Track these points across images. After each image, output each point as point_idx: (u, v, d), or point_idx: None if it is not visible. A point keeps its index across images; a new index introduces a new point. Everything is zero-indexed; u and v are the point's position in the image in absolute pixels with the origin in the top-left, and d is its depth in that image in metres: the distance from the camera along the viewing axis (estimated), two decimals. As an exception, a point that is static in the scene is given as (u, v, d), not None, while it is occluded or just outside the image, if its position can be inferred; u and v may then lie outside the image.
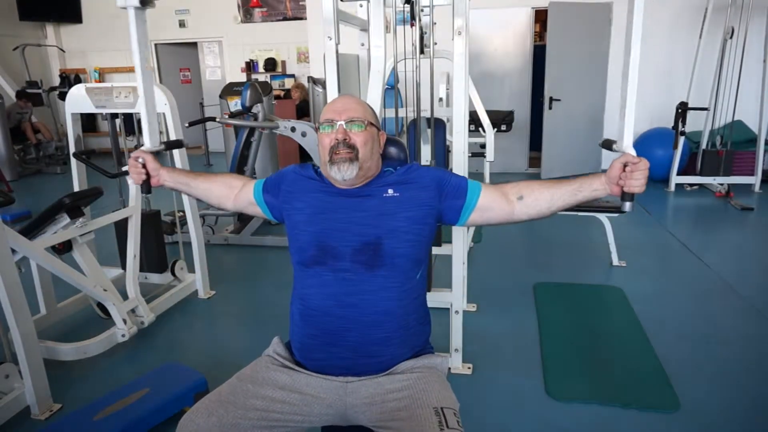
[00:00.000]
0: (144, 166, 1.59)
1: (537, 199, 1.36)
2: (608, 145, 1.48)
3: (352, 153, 1.33)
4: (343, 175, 1.33)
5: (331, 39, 2.21)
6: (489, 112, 5.31)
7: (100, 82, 8.84)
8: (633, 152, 1.30)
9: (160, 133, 1.92)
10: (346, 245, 1.31)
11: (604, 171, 1.31)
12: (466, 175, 2.53)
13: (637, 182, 1.25)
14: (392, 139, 1.62)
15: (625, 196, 1.29)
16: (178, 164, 3.05)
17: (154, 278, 3.29)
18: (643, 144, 6.18)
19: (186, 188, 1.62)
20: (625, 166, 1.25)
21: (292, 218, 1.40)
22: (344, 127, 1.34)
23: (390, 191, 1.36)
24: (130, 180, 2.94)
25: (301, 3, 8.30)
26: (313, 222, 1.35)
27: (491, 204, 1.39)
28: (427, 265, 1.46)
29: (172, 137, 2.94)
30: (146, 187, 1.61)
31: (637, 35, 1.48)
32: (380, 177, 1.41)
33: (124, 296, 2.72)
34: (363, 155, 1.34)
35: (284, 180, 1.47)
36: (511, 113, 6.18)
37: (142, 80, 1.85)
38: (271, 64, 8.74)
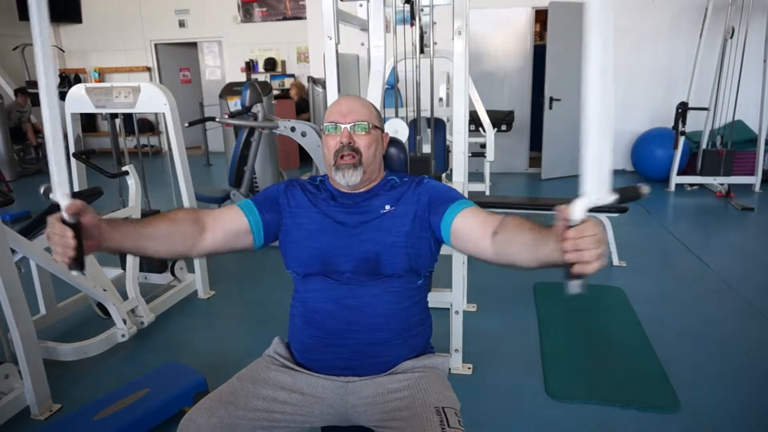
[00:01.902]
0: (74, 226, 1.02)
1: (508, 240, 1.13)
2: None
3: (355, 158, 1.32)
4: (347, 180, 1.33)
5: (331, 39, 2.21)
6: (489, 112, 5.32)
7: (99, 82, 8.84)
8: (585, 203, 0.86)
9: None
10: (348, 261, 1.30)
11: None
12: (466, 175, 2.54)
13: (581, 254, 0.87)
14: (392, 139, 1.62)
15: (572, 273, 0.89)
16: (178, 165, 3.05)
17: (154, 278, 3.30)
18: (643, 144, 6.19)
19: (131, 243, 1.18)
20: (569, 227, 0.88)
21: (292, 235, 1.35)
22: (349, 130, 1.34)
23: (387, 207, 1.34)
24: (130, 180, 2.95)
25: (301, 3, 8.30)
26: (315, 238, 1.33)
27: (470, 229, 1.24)
28: (429, 272, 1.45)
29: (172, 137, 2.94)
30: (80, 263, 1.03)
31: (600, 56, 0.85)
32: (382, 184, 1.41)
33: (124, 296, 2.72)
34: (366, 159, 1.34)
35: (281, 195, 1.39)
36: (511, 113, 6.19)
37: (45, 82, 1.05)
38: (270, 64, 8.74)
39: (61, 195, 1.02)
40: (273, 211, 1.36)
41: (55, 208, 1.02)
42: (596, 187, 0.84)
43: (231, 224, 1.31)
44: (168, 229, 1.23)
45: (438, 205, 1.31)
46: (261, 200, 1.38)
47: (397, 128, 2.30)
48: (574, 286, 0.89)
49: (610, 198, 0.85)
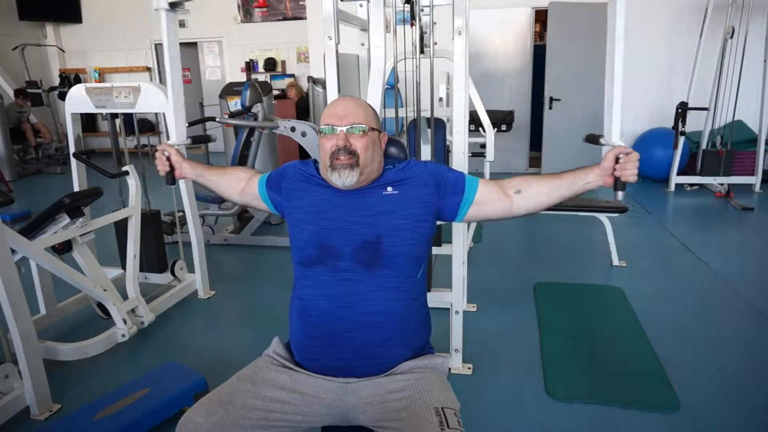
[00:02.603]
0: (168, 159, 1.67)
1: (535, 193, 1.37)
2: (594, 139, 1.56)
3: (352, 159, 1.32)
4: (343, 181, 1.33)
5: (331, 39, 2.21)
6: (489, 112, 5.31)
7: (100, 82, 8.84)
8: (622, 144, 1.36)
9: (187, 126, 2.10)
10: (346, 244, 1.30)
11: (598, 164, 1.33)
12: (466, 175, 2.54)
13: (630, 171, 1.29)
14: (392, 139, 1.62)
15: (618, 185, 1.32)
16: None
17: (154, 278, 3.29)
18: (643, 144, 6.18)
19: (203, 180, 1.69)
20: (618, 158, 1.30)
21: (293, 216, 1.41)
22: (345, 133, 1.34)
23: (389, 189, 1.36)
24: (130, 180, 2.95)
25: (301, 3, 8.30)
26: (312, 221, 1.35)
27: (489, 198, 1.40)
28: (427, 264, 1.45)
29: (173, 137, 2.93)
30: (170, 178, 1.70)
31: (621, 30, 1.57)
32: (381, 176, 1.41)
33: (124, 296, 2.72)
34: (363, 161, 1.34)
35: (285, 177, 1.47)
36: (511, 113, 6.18)
37: (171, 79, 2.02)
38: (270, 64, 8.73)
39: (176, 138, 2.05)
40: (275, 189, 1.50)
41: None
42: (616, 135, 1.60)
43: (251, 189, 1.59)
44: (218, 179, 1.66)
45: (450, 189, 1.38)
46: (271, 176, 1.55)
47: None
48: (621, 195, 1.34)
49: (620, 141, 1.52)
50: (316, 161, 1.48)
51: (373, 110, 1.44)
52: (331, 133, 1.35)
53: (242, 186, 1.60)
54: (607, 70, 1.51)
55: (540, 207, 1.39)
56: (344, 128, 1.34)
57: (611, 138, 1.47)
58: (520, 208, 1.39)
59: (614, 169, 1.29)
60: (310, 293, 1.34)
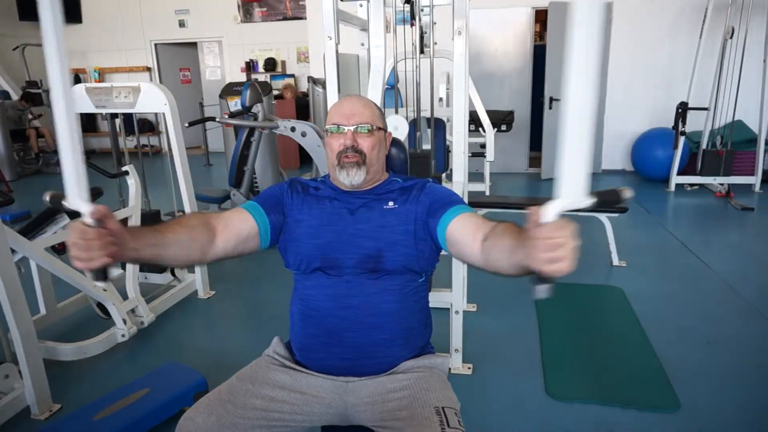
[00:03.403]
0: (106, 234, 0.98)
1: (493, 245, 1.11)
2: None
3: (359, 158, 1.33)
4: (351, 180, 1.33)
5: (331, 39, 2.21)
6: (489, 112, 5.32)
7: (99, 81, 8.84)
8: (562, 205, 0.82)
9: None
10: (349, 258, 1.30)
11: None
12: (466, 175, 2.54)
13: (545, 256, 0.83)
14: (393, 139, 1.62)
15: (538, 277, 0.86)
16: (178, 166, 3.05)
17: (154, 278, 3.29)
18: (643, 144, 6.19)
19: (154, 251, 1.12)
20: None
21: (295, 232, 1.36)
22: (352, 132, 1.34)
23: (390, 203, 1.35)
24: (130, 180, 2.95)
25: (301, 3, 8.31)
26: (317, 235, 1.33)
27: (462, 235, 1.22)
28: (430, 272, 1.45)
29: (172, 137, 2.94)
30: (105, 272, 0.99)
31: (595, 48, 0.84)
32: (385, 184, 1.41)
33: (124, 296, 2.72)
34: (370, 159, 1.35)
35: (284, 194, 1.39)
36: (511, 113, 6.19)
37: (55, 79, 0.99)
38: (270, 64, 8.74)
39: (81, 200, 0.95)
40: (278, 212, 1.36)
41: (74, 214, 0.97)
42: (572, 189, 0.81)
43: (241, 228, 1.29)
44: (183, 235, 1.18)
45: (436, 209, 1.31)
46: (266, 201, 1.37)
47: (397, 125, 2.30)
48: (540, 291, 0.86)
49: (587, 201, 0.81)
50: (314, 179, 1.47)
51: (379, 109, 1.45)
52: (339, 132, 1.35)
53: (218, 232, 1.25)
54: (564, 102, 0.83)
55: (497, 270, 1.10)
56: (351, 127, 1.34)
57: (560, 190, 0.82)
58: (482, 261, 1.15)
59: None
60: (311, 294, 1.34)
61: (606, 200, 0.85)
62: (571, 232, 0.82)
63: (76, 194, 0.95)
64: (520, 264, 0.96)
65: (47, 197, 0.99)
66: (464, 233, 1.21)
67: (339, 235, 1.32)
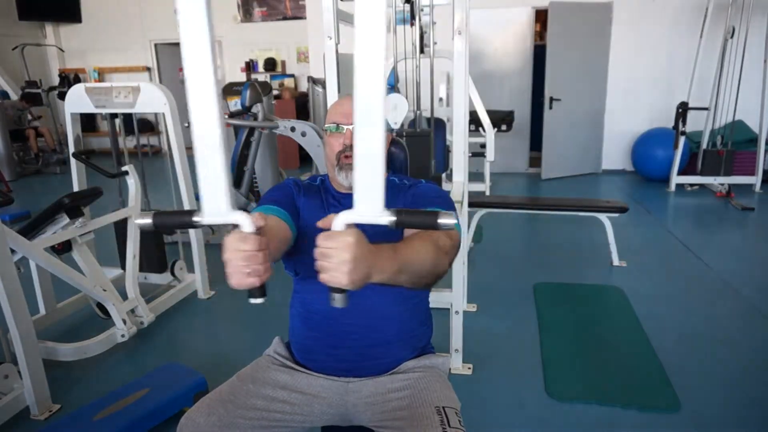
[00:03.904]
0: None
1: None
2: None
3: None
4: (350, 180, 1.32)
5: (331, 39, 2.21)
6: (489, 112, 5.32)
7: (99, 81, 8.84)
8: (353, 216, 0.79)
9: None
10: None
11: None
12: (466, 175, 2.54)
13: (322, 265, 0.83)
14: (392, 139, 1.62)
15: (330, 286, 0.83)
16: (179, 166, 3.05)
17: (154, 278, 3.29)
18: (643, 144, 6.19)
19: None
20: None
21: (297, 238, 1.33)
22: (351, 131, 1.34)
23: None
24: (130, 180, 2.95)
25: (301, 3, 8.30)
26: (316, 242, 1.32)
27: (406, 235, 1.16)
28: None
29: (172, 137, 2.94)
30: (264, 287, 0.91)
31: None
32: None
33: (124, 296, 2.72)
34: None
35: (294, 197, 1.36)
36: (511, 113, 6.19)
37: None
38: (270, 64, 8.74)
39: (232, 209, 0.79)
40: (296, 215, 1.31)
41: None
42: (368, 203, 0.76)
43: (279, 232, 1.18)
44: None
45: (417, 206, 1.28)
46: (279, 199, 1.31)
47: (397, 103, 2.28)
48: (335, 300, 0.85)
49: (385, 218, 0.78)
50: (313, 178, 1.45)
51: None
52: (338, 132, 1.35)
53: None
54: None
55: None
56: (350, 126, 1.34)
57: (354, 207, 0.79)
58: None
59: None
60: (312, 297, 1.33)
61: (413, 222, 0.81)
62: (341, 244, 0.78)
63: (225, 204, 0.78)
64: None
65: (147, 220, 0.84)
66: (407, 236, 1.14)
67: None
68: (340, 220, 0.80)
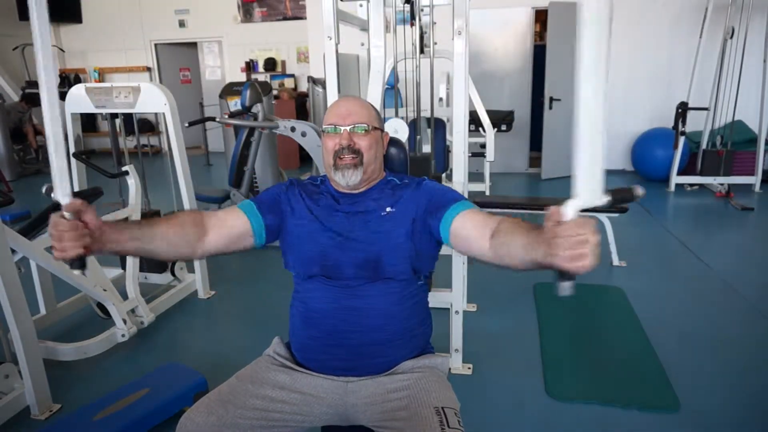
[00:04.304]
0: (82, 226, 1.05)
1: (503, 242, 1.13)
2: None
3: (356, 158, 1.32)
4: (347, 180, 1.33)
5: (331, 39, 2.21)
6: (489, 112, 5.32)
7: (99, 82, 8.84)
8: (581, 202, 0.86)
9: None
10: (349, 263, 1.30)
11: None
12: (466, 175, 2.54)
13: (567, 254, 0.85)
14: (392, 139, 1.62)
15: (563, 274, 0.87)
16: (178, 165, 3.05)
17: (154, 278, 3.30)
18: (643, 144, 6.19)
19: (137, 244, 1.17)
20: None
21: (293, 235, 1.36)
22: (348, 132, 1.34)
23: (388, 209, 1.34)
24: (130, 180, 2.95)
25: (301, 3, 8.30)
26: (316, 241, 1.33)
27: (469, 231, 1.23)
28: (429, 273, 1.45)
29: (172, 137, 2.94)
30: (82, 261, 1.06)
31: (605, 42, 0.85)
32: (383, 184, 1.41)
33: (124, 296, 2.72)
34: (367, 159, 1.34)
35: (281, 196, 1.39)
36: (511, 113, 6.18)
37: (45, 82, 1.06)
38: (270, 64, 8.74)
39: (62, 194, 1.05)
40: (275, 213, 1.36)
41: (57, 207, 1.05)
42: (588, 188, 0.84)
43: (233, 227, 1.32)
44: (170, 231, 1.23)
45: (437, 207, 1.30)
46: (263, 202, 1.37)
47: (397, 128, 2.30)
48: (564, 288, 0.88)
49: (603, 199, 0.85)
50: (314, 179, 1.46)
51: (376, 110, 1.44)
52: (335, 133, 1.35)
53: (209, 229, 1.28)
54: (577, 102, 0.83)
55: (509, 265, 1.14)
56: (347, 127, 1.34)
57: (577, 189, 0.85)
58: (493, 256, 1.17)
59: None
60: (312, 296, 1.34)
61: (620, 198, 0.88)
62: (592, 229, 0.85)
63: (59, 188, 1.05)
64: (536, 261, 0.98)
65: (44, 188, 1.09)
66: (471, 230, 1.22)
67: (337, 242, 1.31)
68: (572, 208, 0.86)
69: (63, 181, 1.05)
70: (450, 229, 1.26)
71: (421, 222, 1.32)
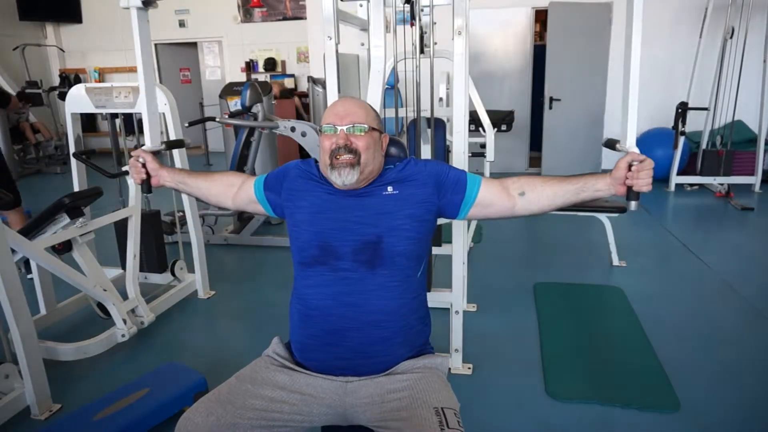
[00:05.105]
0: (144, 165, 1.63)
1: (539, 196, 1.37)
2: (611, 144, 1.52)
3: (354, 158, 1.33)
4: (343, 180, 1.33)
5: (331, 39, 2.21)
6: (489, 112, 5.30)
7: (100, 82, 8.83)
8: (637, 151, 1.31)
9: (161, 132, 2.02)
10: (347, 245, 1.30)
11: (605, 171, 1.29)
12: (466, 175, 2.54)
13: (644, 181, 1.26)
14: (392, 139, 1.62)
15: (631, 195, 1.29)
16: (178, 165, 3.05)
17: (154, 278, 3.29)
18: (643, 144, 6.11)
19: (186, 188, 1.64)
20: (630, 165, 1.27)
21: (294, 217, 1.40)
22: (345, 132, 1.35)
23: (389, 189, 1.36)
24: (130, 180, 2.95)
25: (301, 3, 8.30)
26: (314, 221, 1.35)
27: (492, 199, 1.40)
28: (427, 263, 1.45)
29: (172, 137, 2.94)
30: (146, 186, 1.64)
31: (638, 33, 1.50)
32: (381, 175, 1.41)
33: (124, 296, 2.72)
34: (365, 160, 1.34)
35: (287, 177, 1.47)
36: (511, 113, 6.18)
37: (144, 80, 1.93)
38: (270, 64, 8.74)
39: (148, 140, 1.93)
40: (275, 191, 1.48)
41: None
42: (633, 143, 1.46)
43: (245, 193, 1.55)
44: (206, 185, 1.61)
45: (451, 189, 1.39)
46: (270, 177, 1.52)
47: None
48: (634, 205, 1.33)
49: (635, 148, 1.43)
50: (317, 161, 1.48)
51: (375, 111, 1.45)
52: (332, 132, 1.35)
53: (234, 191, 1.57)
54: (624, 72, 1.50)
55: (543, 211, 1.40)
56: (345, 127, 1.35)
57: (626, 143, 1.43)
58: (522, 210, 1.40)
59: (626, 178, 1.28)
60: (311, 292, 1.34)
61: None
62: (652, 164, 1.26)
63: (149, 141, 1.96)
64: (592, 196, 1.34)
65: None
66: (495, 195, 1.40)
67: (338, 222, 1.32)
68: (633, 149, 1.40)
69: (154, 135, 2.00)
70: (474, 204, 1.40)
71: (429, 204, 1.37)
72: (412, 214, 1.33)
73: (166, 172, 1.63)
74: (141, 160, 1.62)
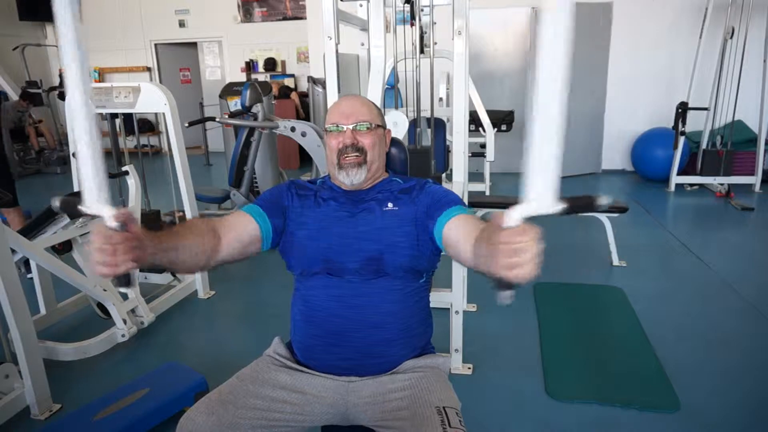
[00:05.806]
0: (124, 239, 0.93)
1: (478, 247, 1.03)
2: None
3: (360, 157, 1.34)
4: (351, 179, 1.35)
5: (331, 39, 2.21)
6: (489, 112, 5.32)
7: (99, 82, 8.83)
8: (529, 209, 0.79)
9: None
10: (351, 261, 1.30)
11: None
12: (466, 175, 2.54)
13: (504, 261, 0.79)
14: (393, 139, 1.62)
15: (500, 282, 0.82)
16: (179, 166, 3.05)
17: (154, 278, 3.29)
18: (643, 144, 6.19)
19: (167, 255, 1.10)
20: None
21: (296, 235, 1.36)
22: (351, 131, 1.35)
23: (390, 205, 1.35)
24: (130, 180, 2.95)
25: (301, 3, 8.30)
26: (318, 239, 1.33)
27: (456, 234, 1.20)
28: (431, 272, 1.45)
29: (172, 137, 2.94)
30: (129, 277, 0.95)
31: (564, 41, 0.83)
32: (385, 184, 1.41)
33: (124, 296, 2.72)
34: (371, 157, 1.36)
35: (284, 197, 1.40)
36: (511, 113, 6.18)
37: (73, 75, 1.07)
38: (270, 64, 8.74)
39: (101, 203, 0.89)
40: (279, 215, 1.35)
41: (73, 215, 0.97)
42: (541, 193, 0.77)
43: (244, 232, 1.29)
44: (193, 241, 1.17)
45: (434, 210, 1.30)
46: (268, 204, 1.36)
47: (397, 120, 2.30)
48: (503, 297, 0.82)
49: (557, 207, 0.77)
50: (313, 181, 1.46)
51: (378, 108, 1.46)
52: (338, 131, 1.36)
53: (221, 236, 1.24)
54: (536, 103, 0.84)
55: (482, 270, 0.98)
56: (350, 126, 1.35)
57: (528, 194, 0.80)
58: (468, 259, 1.13)
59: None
60: (314, 294, 1.34)
61: (578, 206, 0.81)
62: (533, 237, 0.78)
63: (95, 198, 0.89)
64: (484, 268, 0.91)
65: (57, 203, 0.93)
66: (459, 234, 1.18)
67: (340, 239, 1.32)
68: (516, 214, 0.80)
69: (101, 188, 0.89)
70: (443, 233, 1.24)
71: (422, 224, 1.32)
72: (408, 232, 1.32)
73: (149, 240, 1.03)
74: (113, 226, 0.91)
